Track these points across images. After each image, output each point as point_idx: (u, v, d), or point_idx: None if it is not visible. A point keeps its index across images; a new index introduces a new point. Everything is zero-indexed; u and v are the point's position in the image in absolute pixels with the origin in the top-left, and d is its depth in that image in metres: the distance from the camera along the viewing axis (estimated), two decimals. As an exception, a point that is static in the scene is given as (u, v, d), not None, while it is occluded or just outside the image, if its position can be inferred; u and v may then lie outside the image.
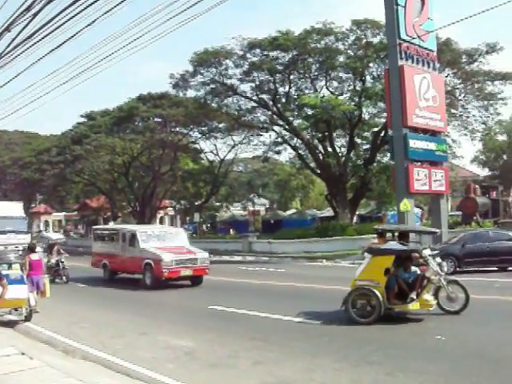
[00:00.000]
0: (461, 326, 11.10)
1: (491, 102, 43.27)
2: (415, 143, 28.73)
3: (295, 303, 14.71)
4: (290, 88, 43.76)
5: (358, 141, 44.67)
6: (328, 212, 52.68)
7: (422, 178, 28.99)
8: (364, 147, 44.92)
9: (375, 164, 42.94)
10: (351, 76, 42.33)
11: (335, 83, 44.13)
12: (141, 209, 56.04)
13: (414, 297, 11.59)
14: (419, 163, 29.56)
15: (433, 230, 14.94)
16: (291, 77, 43.14)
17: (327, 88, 43.38)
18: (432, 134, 30.72)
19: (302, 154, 45.75)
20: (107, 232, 25.37)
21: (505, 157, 71.31)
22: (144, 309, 15.42)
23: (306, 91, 43.48)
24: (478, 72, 41.27)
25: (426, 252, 11.98)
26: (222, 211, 66.36)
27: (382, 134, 41.07)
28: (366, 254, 12.45)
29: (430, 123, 30.15)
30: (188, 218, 56.43)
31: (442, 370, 8.05)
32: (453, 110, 42.88)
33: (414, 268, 12.08)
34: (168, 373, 8.26)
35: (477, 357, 8.73)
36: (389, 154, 33.73)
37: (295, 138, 44.35)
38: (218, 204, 64.26)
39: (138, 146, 53.17)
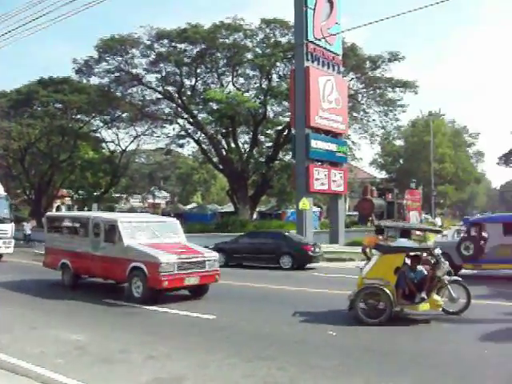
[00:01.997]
0: (351, 320, 11.38)
1: (391, 108, 45.03)
2: (317, 143, 29.35)
3: (194, 298, 14.61)
4: (196, 81, 43.62)
5: (262, 138, 45.24)
6: (229, 207, 52.90)
7: (321, 178, 29.66)
8: (267, 145, 45.58)
9: (277, 162, 43.57)
10: (258, 74, 42.72)
11: (242, 80, 44.45)
12: (36, 197, 53.94)
13: (425, 297, 11.20)
14: (320, 163, 30.23)
15: (437, 229, 14.22)
16: (198, 70, 42.99)
17: (233, 84, 43.62)
18: (333, 135, 31.52)
19: (205, 148, 45.71)
20: (69, 220, 18.64)
21: (401, 161, 74.32)
22: (34, 301, 14.71)
23: (213, 86, 43.52)
24: (381, 78, 42.82)
25: (438, 251, 11.62)
26: (121, 203, 65.06)
27: (286, 133, 41.72)
28: (374, 251, 11.84)
29: (332, 125, 30.92)
30: (86, 209, 54.87)
31: (333, 364, 8.21)
32: (354, 114, 44.25)
33: (419, 267, 11.61)
34: (57, 368, 7.93)
35: (367, 351, 8.98)
36: (291, 153, 34.28)
37: (199, 132, 44.23)
38: (117, 195, 62.96)
39: (36, 132, 50.98)
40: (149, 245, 14.64)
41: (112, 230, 15.33)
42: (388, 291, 10.90)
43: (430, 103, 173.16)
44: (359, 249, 27.35)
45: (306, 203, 27.59)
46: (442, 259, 11.45)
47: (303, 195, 28.16)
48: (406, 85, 43.28)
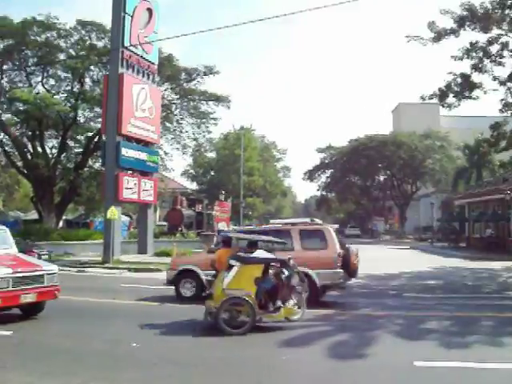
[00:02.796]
0: (155, 331, 11.30)
1: (204, 120, 45.89)
2: (127, 152, 28.93)
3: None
4: (1, 78, 40.98)
5: (71, 144, 43.67)
6: (33, 215, 50.25)
7: (131, 187, 29.26)
8: (76, 151, 44.02)
9: (86, 169, 42.38)
10: (70, 76, 41.23)
11: (52, 81, 42.69)
12: None
13: (282, 305, 11.52)
14: (130, 172, 29.78)
15: (283, 240, 14.45)
16: (4, 67, 40.56)
17: (43, 85, 41.71)
18: (145, 144, 31.28)
19: (9, 151, 43.00)
20: None
21: (212, 173, 75.91)
22: None
23: (20, 85, 41.21)
24: (195, 91, 43.53)
25: (292, 262, 11.97)
26: None
27: (96, 140, 40.73)
28: (233, 261, 11.71)
29: (144, 134, 30.70)
30: None
31: (135, 376, 8.11)
32: (168, 124, 44.49)
33: (269, 277, 11.88)
34: None
35: (169, 362, 8.95)
36: (101, 160, 33.48)
37: (2, 134, 41.53)
38: None
39: None
40: None
41: None
42: (251, 301, 11.15)
43: (242, 118, 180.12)
44: (167, 259, 27.42)
45: (114, 212, 26.96)
46: (297, 270, 12.05)
47: (112, 204, 27.50)
48: (219, 99, 44.44)
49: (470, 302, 16.33)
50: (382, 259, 34.07)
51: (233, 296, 11.29)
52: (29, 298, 12.14)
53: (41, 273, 12.47)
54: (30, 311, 12.84)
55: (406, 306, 15.47)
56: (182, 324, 11.96)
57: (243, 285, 11.41)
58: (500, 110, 27.89)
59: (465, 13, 26.07)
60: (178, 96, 45.04)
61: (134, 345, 10.07)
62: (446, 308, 14.88)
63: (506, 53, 26.74)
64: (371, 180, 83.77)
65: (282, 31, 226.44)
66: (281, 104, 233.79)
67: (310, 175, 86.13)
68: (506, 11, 25.90)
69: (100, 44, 40.06)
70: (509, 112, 27.84)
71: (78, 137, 43.24)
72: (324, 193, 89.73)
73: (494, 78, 27.26)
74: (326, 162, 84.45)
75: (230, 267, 11.74)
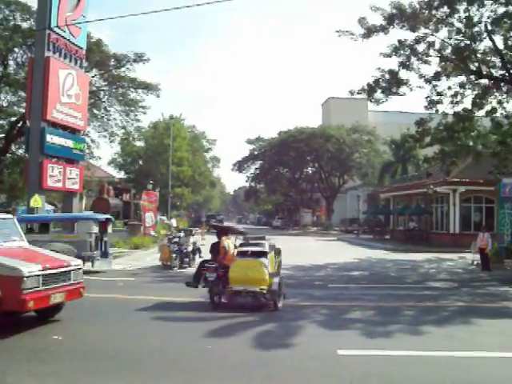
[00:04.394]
0: (78, 325, 11.07)
1: (132, 108, 45.15)
2: (53, 138, 28.05)
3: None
4: None
5: (-7, 129, 42.04)
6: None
7: (56, 175, 28.43)
8: (-1, 136, 42.44)
9: (9, 155, 40.91)
10: (-7, 58, 39.62)
11: (-27, 63, 40.77)
12: None
13: None
14: (55, 159, 28.89)
15: (243, 231, 15.86)
16: None
17: (-37, 66, 39.86)
18: (71, 131, 30.37)
19: None
20: None
21: (141, 162, 74.73)
22: None
23: None
24: (124, 78, 42.77)
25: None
26: None
27: (20, 125, 39.36)
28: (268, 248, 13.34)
29: (71, 120, 29.81)
30: None
31: (54, 369, 7.86)
32: (95, 111, 43.54)
33: None
34: None
35: (92, 354, 8.75)
36: (24, 147, 32.39)
37: None
38: None
39: None
40: None
41: None
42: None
43: (172, 107, 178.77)
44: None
45: (38, 200, 26.17)
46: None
47: (36, 192, 26.66)
48: (148, 87, 43.84)
49: (393, 292, 16.78)
50: (308, 250, 34.55)
51: (281, 277, 13.48)
52: (58, 297, 10.78)
53: (68, 269, 11.09)
54: (48, 313, 11.33)
55: (331, 296, 15.76)
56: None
57: (273, 268, 13.21)
58: (425, 106, 28.62)
59: (394, 11, 26.55)
60: (106, 83, 44.13)
61: (56, 337, 9.81)
62: (370, 298, 15.23)
63: (431, 52, 27.41)
64: (300, 172, 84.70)
65: (212, 21, 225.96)
66: (211, 94, 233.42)
67: (239, 166, 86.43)
68: (433, 12, 26.56)
69: (25, 25, 38.63)
70: (433, 109, 28.59)
71: (1, 122, 41.72)
72: (253, 184, 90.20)
73: (421, 76, 27.94)
74: (256, 153, 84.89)
75: (245, 254, 13.16)
